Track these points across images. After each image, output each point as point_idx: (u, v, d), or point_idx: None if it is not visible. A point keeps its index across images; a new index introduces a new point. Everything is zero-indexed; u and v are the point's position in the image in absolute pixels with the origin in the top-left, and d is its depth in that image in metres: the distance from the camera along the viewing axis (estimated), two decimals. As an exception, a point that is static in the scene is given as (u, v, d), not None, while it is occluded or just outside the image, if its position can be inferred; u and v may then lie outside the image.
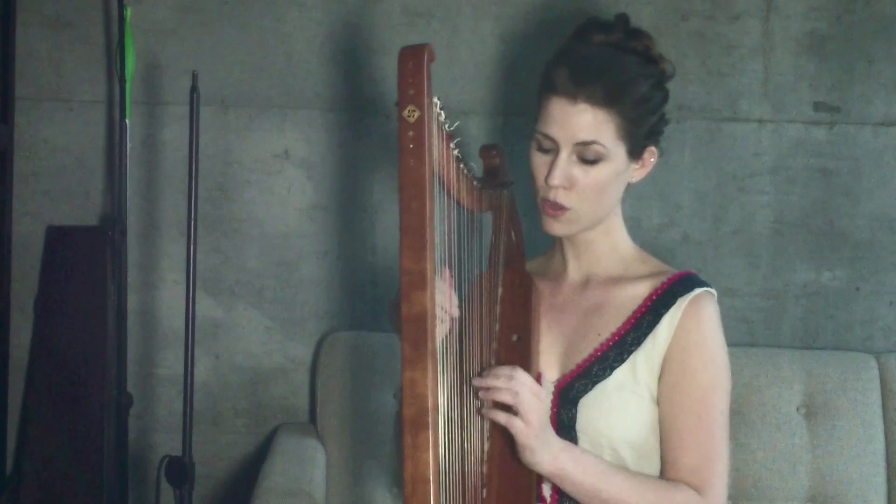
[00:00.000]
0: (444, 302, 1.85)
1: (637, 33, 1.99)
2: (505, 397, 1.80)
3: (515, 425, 1.80)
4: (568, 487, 1.86)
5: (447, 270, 1.89)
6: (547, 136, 1.92)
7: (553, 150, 1.92)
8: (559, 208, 1.94)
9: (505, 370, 1.82)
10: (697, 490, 1.89)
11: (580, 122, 1.89)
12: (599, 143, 1.90)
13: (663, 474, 1.94)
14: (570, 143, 1.90)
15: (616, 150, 1.92)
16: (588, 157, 1.91)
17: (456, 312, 1.89)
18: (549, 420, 1.86)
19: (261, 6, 2.86)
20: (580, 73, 1.90)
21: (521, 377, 1.81)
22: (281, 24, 2.87)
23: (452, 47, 2.86)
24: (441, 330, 1.85)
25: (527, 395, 1.80)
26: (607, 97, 1.89)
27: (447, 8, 2.87)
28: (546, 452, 1.82)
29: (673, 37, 2.84)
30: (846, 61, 2.86)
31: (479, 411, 1.85)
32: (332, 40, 2.87)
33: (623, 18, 2.00)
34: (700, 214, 2.89)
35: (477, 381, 1.83)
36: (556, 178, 1.91)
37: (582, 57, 1.93)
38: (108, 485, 2.71)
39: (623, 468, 1.92)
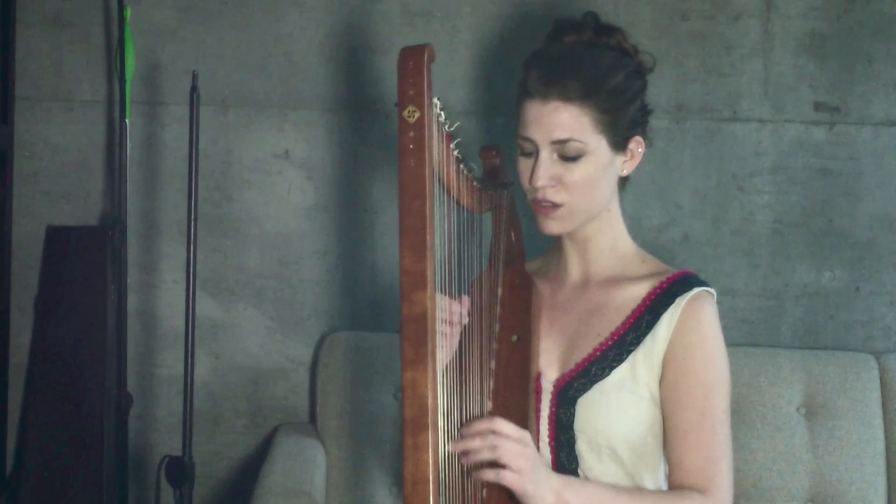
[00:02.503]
0: (445, 315, 1.85)
1: (608, 29, 2.00)
2: (484, 456, 1.76)
3: (506, 478, 1.76)
4: None
5: (467, 299, 1.90)
6: (526, 139, 1.93)
7: (534, 152, 1.93)
8: (551, 206, 1.94)
9: (480, 425, 1.77)
10: (703, 490, 1.89)
11: (554, 120, 1.90)
12: (576, 140, 1.90)
13: (669, 476, 1.94)
14: (547, 143, 1.91)
15: (597, 143, 1.92)
16: (568, 154, 1.91)
17: (465, 319, 1.89)
18: (542, 460, 1.84)
19: (261, 6, 2.86)
20: (550, 72, 1.91)
21: (499, 427, 1.76)
22: (281, 24, 2.87)
23: (452, 47, 2.86)
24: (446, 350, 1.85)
25: (507, 445, 1.76)
26: (579, 91, 1.89)
27: (447, 8, 2.87)
28: (547, 493, 1.80)
29: (673, 37, 2.84)
30: (846, 61, 2.86)
31: (469, 474, 1.80)
32: (332, 40, 2.87)
33: (592, 16, 2.02)
34: (700, 214, 2.89)
35: (453, 447, 1.76)
36: (540, 179, 1.92)
37: (552, 57, 1.95)
38: (108, 485, 2.71)
39: (626, 488, 1.91)
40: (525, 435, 1.79)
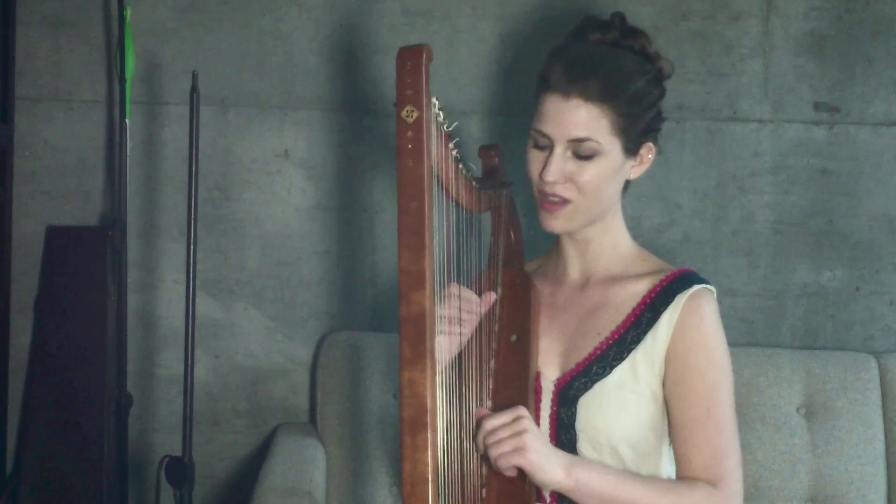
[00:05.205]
0: (466, 307, 1.89)
1: (633, 32, 2.01)
2: (490, 454, 1.82)
3: (503, 464, 1.81)
4: (587, 500, 1.86)
5: (493, 295, 1.96)
6: (542, 133, 1.94)
7: (548, 146, 1.94)
8: (559, 202, 1.94)
9: (485, 428, 1.82)
10: (712, 485, 1.89)
11: (574, 118, 1.91)
12: (593, 140, 1.91)
13: (677, 472, 1.94)
14: (563, 140, 1.92)
15: (611, 146, 1.93)
16: (582, 152, 1.92)
17: (483, 309, 1.93)
18: (541, 434, 1.86)
19: (261, 6, 2.86)
20: (574, 70, 1.91)
21: (483, 425, 1.82)
22: (281, 24, 2.87)
23: (452, 47, 2.86)
24: (454, 342, 1.87)
25: (490, 440, 1.81)
26: (601, 93, 1.90)
27: (447, 8, 2.87)
28: (555, 467, 1.81)
29: (673, 37, 2.84)
30: (846, 61, 2.86)
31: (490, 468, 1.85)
32: (332, 40, 2.87)
33: (619, 17, 2.02)
34: (700, 214, 2.89)
35: (483, 452, 1.83)
36: (551, 175, 1.92)
37: (577, 54, 1.95)
38: (108, 485, 2.71)
39: (635, 473, 1.92)
40: (511, 414, 1.82)
